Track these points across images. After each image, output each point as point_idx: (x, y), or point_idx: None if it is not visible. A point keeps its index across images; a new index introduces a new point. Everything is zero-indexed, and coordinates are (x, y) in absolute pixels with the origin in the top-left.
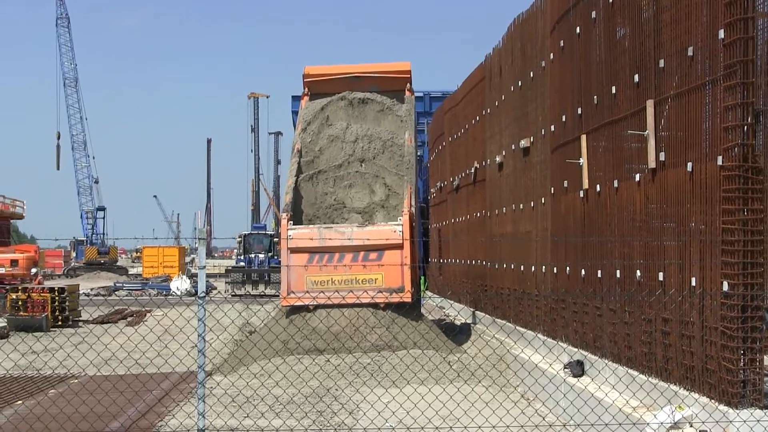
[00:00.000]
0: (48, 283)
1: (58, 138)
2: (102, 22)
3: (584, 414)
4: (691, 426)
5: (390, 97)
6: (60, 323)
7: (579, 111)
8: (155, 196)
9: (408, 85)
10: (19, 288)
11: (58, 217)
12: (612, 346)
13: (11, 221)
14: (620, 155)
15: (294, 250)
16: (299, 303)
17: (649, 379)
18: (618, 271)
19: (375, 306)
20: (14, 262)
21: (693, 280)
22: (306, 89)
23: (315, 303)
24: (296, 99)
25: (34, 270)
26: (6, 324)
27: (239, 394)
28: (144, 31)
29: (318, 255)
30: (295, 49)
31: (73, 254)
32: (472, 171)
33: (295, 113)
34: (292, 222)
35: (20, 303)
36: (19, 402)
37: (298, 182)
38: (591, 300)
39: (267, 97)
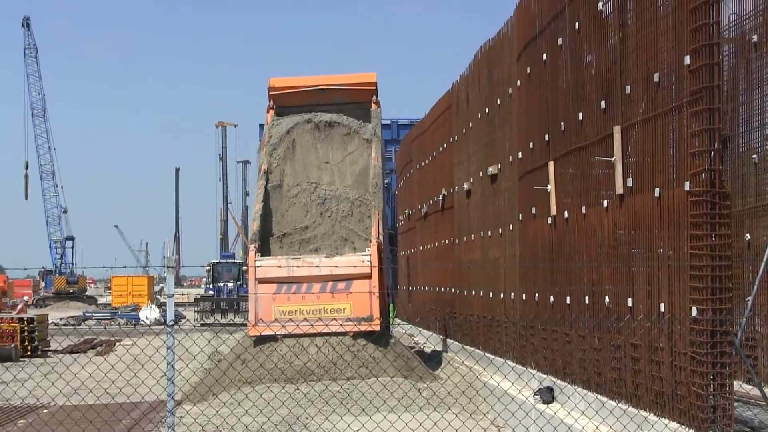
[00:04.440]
0: (15, 313)
1: (27, 168)
2: (67, 50)
3: None
4: None
5: (356, 108)
6: (29, 353)
7: (546, 137)
8: (116, 226)
9: (374, 96)
10: None
11: (26, 246)
12: (582, 372)
13: None
14: (588, 181)
15: (262, 281)
16: (267, 332)
17: (619, 404)
18: (587, 297)
19: (343, 335)
20: None
21: (662, 305)
22: (271, 102)
23: (283, 332)
24: (264, 128)
25: (25, 298)
26: None
27: (209, 422)
28: (110, 59)
29: (286, 285)
30: (263, 77)
31: (42, 284)
32: (440, 198)
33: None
34: (260, 253)
35: None
36: None
37: (266, 206)
38: (560, 326)
39: (235, 126)
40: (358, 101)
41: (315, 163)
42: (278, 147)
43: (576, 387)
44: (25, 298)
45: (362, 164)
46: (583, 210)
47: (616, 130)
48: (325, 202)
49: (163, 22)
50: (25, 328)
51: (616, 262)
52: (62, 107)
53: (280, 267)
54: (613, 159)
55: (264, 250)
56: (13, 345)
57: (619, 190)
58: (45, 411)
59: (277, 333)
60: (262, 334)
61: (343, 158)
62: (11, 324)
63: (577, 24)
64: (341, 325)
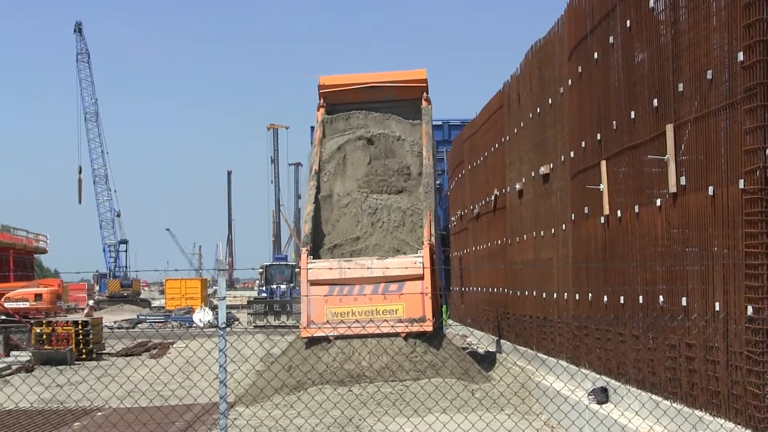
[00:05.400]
0: (71, 317)
1: (80, 172)
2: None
3: None
4: None
5: (406, 105)
6: (84, 356)
7: (598, 136)
8: (168, 229)
9: (425, 93)
10: (44, 322)
11: (81, 250)
12: (635, 372)
13: (35, 255)
14: (640, 180)
15: (314, 283)
16: (319, 334)
17: (674, 404)
18: (641, 297)
19: (396, 336)
20: (38, 297)
21: (717, 304)
22: (321, 100)
23: (335, 334)
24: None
25: (91, 302)
26: (31, 358)
27: (261, 424)
28: (161, 63)
29: (338, 287)
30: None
31: (97, 288)
32: (492, 198)
33: None
34: (311, 256)
35: (45, 337)
36: None
37: (317, 208)
38: (614, 326)
39: (286, 128)
40: (408, 98)
41: (365, 176)
42: (329, 163)
43: (630, 387)
44: (91, 302)
45: (413, 173)
46: (636, 209)
47: (669, 129)
48: (376, 212)
49: (213, 25)
50: (80, 331)
51: (670, 262)
52: (114, 111)
53: (331, 269)
54: (665, 157)
55: (316, 253)
56: (68, 348)
57: (673, 188)
58: (99, 414)
59: (328, 335)
60: (314, 336)
61: (395, 168)
62: (66, 328)
63: (628, 22)
64: (393, 326)
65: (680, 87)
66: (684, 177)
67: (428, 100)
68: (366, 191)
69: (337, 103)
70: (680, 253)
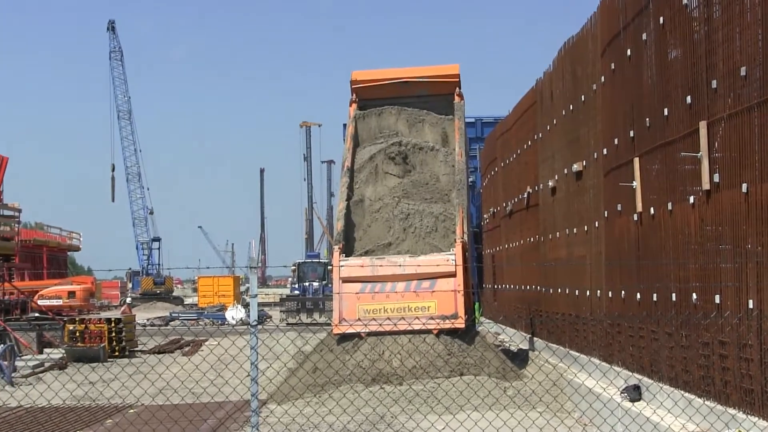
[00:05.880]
0: (107, 314)
1: (113, 170)
2: (150, 52)
3: None
4: None
5: (439, 100)
6: (117, 354)
7: (631, 133)
8: (200, 227)
9: (457, 89)
10: (77, 319)
11: (114, 248)
12: (668, 369)
13: (68, 253)
14: (674, 177)
15: (346, 280)
16: (351, 331)
17: (706, 402)
18: (674, 294)
19: (428, 332)
20: (71, 294)
21: (750, 302)
22: (354, 95)
23: (367, 331)
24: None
25: (129, 300)
26: (64, 355)
27: (293, 421)
28: (192, 61)
29: (370, 284)
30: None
31: (129, 285)
32: (525, 196)
33: None
34: (344, 254)
35: (78, 334)
36: None
37: (349, 206)
38: (646, 323)
39: (319, 126)
40: (441, 93)
41: (398, 182)
42: (361, 172)
43: (662, 385)
44: (129, 299)
45: (446, 180)
46: (669, 206)
47: (702, 126)
48: (408, 218)
49: (246, 22)
50: (113, 328)
51: (704, 259)
52: (147, 109)
53: (363, 266)
54: (699, 155)
55: (348, 251)
56: (101, 345)
57: (706, 185)
58: (131, 411)
59: (360, 331)
60: (346, 332)
61: (427, 181)
62: (99, 325)
63: (661, 19)
64: (425, 323)
65: (714, 84)
66: (717, 174)
67: (461, 96)
68: (398, 196)
69: (370, 98)
70: (713, 250)
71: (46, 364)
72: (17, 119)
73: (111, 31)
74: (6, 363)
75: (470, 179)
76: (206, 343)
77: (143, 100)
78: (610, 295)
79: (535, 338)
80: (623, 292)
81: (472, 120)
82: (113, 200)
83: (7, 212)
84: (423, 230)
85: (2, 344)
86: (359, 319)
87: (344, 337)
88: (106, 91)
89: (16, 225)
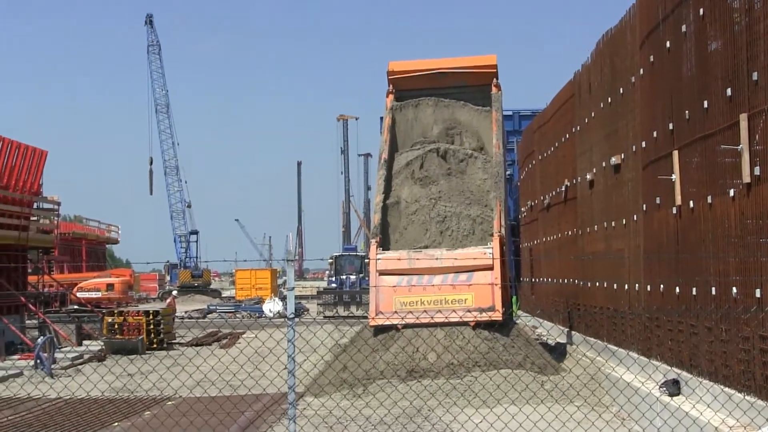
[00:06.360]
0: (149, 306)
1: (151, 163)
2: (186, 45)
3: None
4: None
5: (476, 91)
6: (155, 346)
7: (670, 126)
8: (237, 220)
9: (494, 80)
10: (115, 311)
11: (152, 241)
12: (708, 364)
13: (107, 246)
14: (713, 170)
15: (383, 272)
16: (387, 323)
17: (746, 397)
18: (713, 288)
19: (465, 325)
20: (110, 286)
21: None
22: (390, 86)
23: (403, 323)
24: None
25: (175, 292)
26: (102, 347)
27: (330, 414)
28: (231, 54)
29: (407, 277)
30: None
31: (168, 278)
32: (563, 189)
33: None
34: (381, 248)
35: (116, 326)
36: (116, 424)
37: (386, 200)
38: (686, 317)
39: (356, 119)
40: (478, 84)
41: (435, 186)
42: (398, 176)
43: (702, 379)
44: (174, 292)
45: (483, 184)
46: (709, 199)
47: (743, 118)
48: (445, 220)
49: (283, 16)
50: (151, 321)
51: (744, 252)
52: (185, 103)
53: (400, 259)
54: (739, 147)
55: (385, 244)
56: (139, 338)
57: (746, 179)
58: (169, 403)
59: (397, 323)
60: (383, 325)
61: (464, 188)
62: (137, 317)
63: (701, 10)
64: (461, 316)
65: (755, 76)
66: (758, 167)
67: (498, 87)
68: (434, 198)
69: (407, 89)
70: (754, 243)
71: (85, 356)
72: (57, 113)
73: (149, 25)
74: (46, 355)
75: (508, 172)
76: (243, 335)
77: (180, 94)
78: (648, 288)
79: (572, 332)
80: (662, 285)
81: (510, 113)
82: (151, 193)
83: (46, 205)
84: (460, 233)
85: (42, 336)
86: (396, 311)
87: (381, 330)
88: (145, 85)
89: (56, 218)
